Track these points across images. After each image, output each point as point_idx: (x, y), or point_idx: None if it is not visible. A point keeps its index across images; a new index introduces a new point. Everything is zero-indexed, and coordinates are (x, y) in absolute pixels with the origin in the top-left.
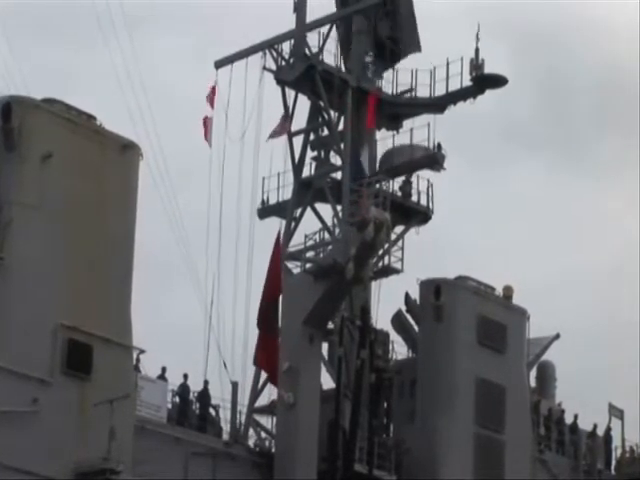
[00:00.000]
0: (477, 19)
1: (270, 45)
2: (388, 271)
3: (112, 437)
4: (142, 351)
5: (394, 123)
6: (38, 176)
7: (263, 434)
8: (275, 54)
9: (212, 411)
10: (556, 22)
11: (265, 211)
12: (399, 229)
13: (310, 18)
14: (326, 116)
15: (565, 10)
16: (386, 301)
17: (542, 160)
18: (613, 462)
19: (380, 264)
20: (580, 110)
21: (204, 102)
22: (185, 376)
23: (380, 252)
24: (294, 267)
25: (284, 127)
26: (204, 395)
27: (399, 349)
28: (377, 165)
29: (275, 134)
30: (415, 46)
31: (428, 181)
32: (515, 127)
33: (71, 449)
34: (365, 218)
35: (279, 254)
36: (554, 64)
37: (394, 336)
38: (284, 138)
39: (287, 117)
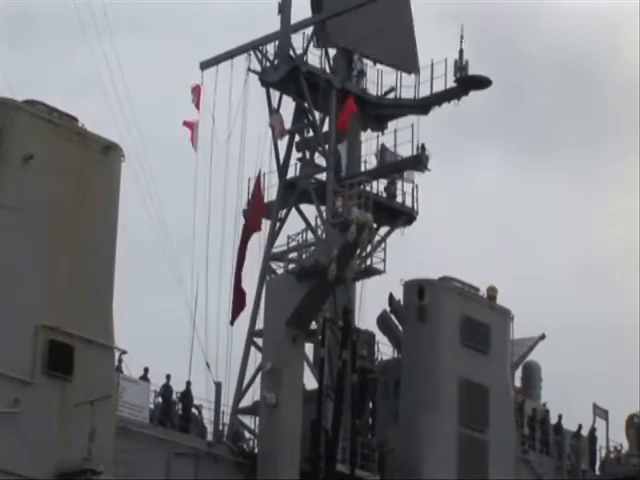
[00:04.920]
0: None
1: (255, 47)
2: (370, 272)
3: (92, 437)
4: (124, 352)
5: (379, 124)
6: (19, 177)
7: (247, 434)
8: (260, 55)
9: (195, 411)
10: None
11: None
12: (384, 230)
13: (294, 19)
14: (311, 117)
15: None
16: (371, 302)
17: (522, 156)
18: (597, 462)
19: (363, 265)
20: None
21: (188, 103)
22: (168, 377)
23: (364, 253)
24: (277, 268)
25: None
26: (186, 396)
27: (385, 350)
28: (362, 166)
29: (280, 132)
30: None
31: (413, 182)
32: (479, 123)
33: (52, 450)
34: (347, 219)
35: (260, 190)
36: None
37: (380, 337)
38: (270, 139)
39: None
